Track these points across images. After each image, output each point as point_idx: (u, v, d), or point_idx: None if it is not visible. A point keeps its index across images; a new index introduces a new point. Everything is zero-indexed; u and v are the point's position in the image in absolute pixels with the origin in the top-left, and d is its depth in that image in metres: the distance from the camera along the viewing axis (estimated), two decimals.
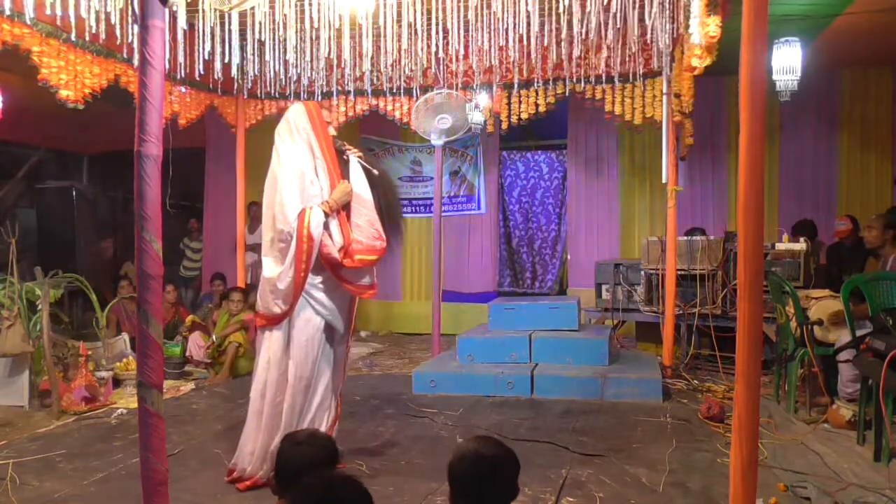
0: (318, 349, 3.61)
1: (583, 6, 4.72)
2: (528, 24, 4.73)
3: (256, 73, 6.69)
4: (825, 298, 4.68)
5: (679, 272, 6.02)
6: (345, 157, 3.74)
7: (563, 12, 4.69)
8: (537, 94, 6.34)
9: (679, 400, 5.20)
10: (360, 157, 3.79)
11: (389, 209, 3.80)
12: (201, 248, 9.44)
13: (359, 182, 3.69)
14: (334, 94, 6.83)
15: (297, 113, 3.73)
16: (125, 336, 6.24)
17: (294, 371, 3.55)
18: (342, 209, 3.63)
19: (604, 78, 6.05)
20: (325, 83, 6.77)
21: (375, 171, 3.78)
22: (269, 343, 3.58)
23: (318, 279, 3.59)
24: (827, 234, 6.77)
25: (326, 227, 3.54)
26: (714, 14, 3.04)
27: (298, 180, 3.53)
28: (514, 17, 4.78)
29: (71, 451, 4.14)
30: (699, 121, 6.71)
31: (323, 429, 3.60)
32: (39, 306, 5.01)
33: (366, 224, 3.65)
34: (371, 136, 8.71)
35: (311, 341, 3.57)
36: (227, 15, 5.19)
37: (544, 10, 5.00)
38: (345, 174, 3.70)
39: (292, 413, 3.56)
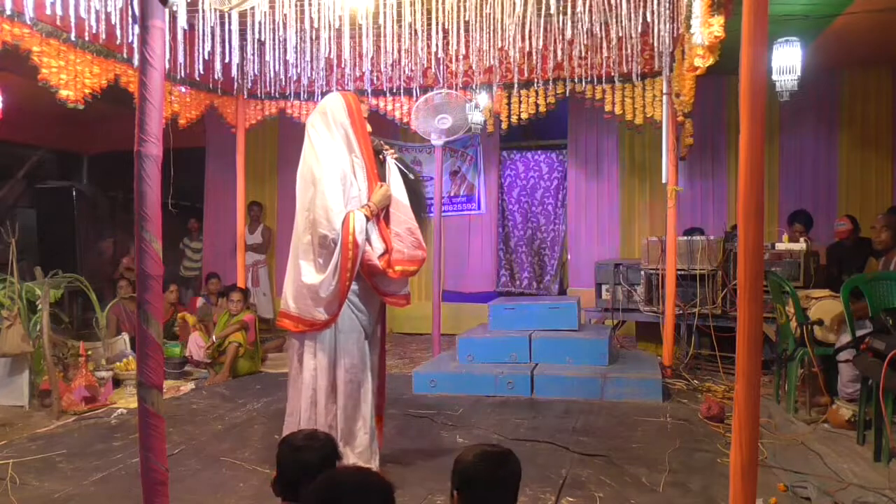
0: (366, 352, 3.51)
1: (585, 6, 4.72)
2: (528, 23, 4.73)
3: (256, 73, 6.70)
4: (825, 298, 4.68)
5: (679, 272, 6.02)
6: (381, 157, 3.57)
7: (563, 12, 4.69)
8: (537, 94, 6.34)
9: (679, 400, 5.20)
10: (397, 158, 3.61)
11: (417, 218, 3.64)
12: (201, 248, 9.45)
13: (397, 186, 3.52)
14: None
15: (335, 104, 3.47)
16: (125, 336, 6.24)
17: (344, 377, 3.43)
18: (381, 213, 3.49)
19: (604, 78, 6.05)
20: (325, 83, 6.77)
21: (412, 175, 3.63)
22: (315, 351, 3.42)
23: (356, 286, 3.45)
24: (827, 234, 6.76)
25: (367, 232, 3.38)
26: (717, 14, 3.04)
27: (341, 180, 3.34)
28: (514, 17, 4.78)
29: (71, 451, 4.13)
30: (699, 121, 6.71)
31: (368, 436, 3.50)
32: (39, 306, 5.01)
33: (405, 232, 3.50)
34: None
35: (357, 344, 3.47)
36: (227, 15, 5.19)
37: (541, 10, 5.00)
38: (381, 175, 3.54)
39: (346, 418, 3.45)
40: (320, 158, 3.39)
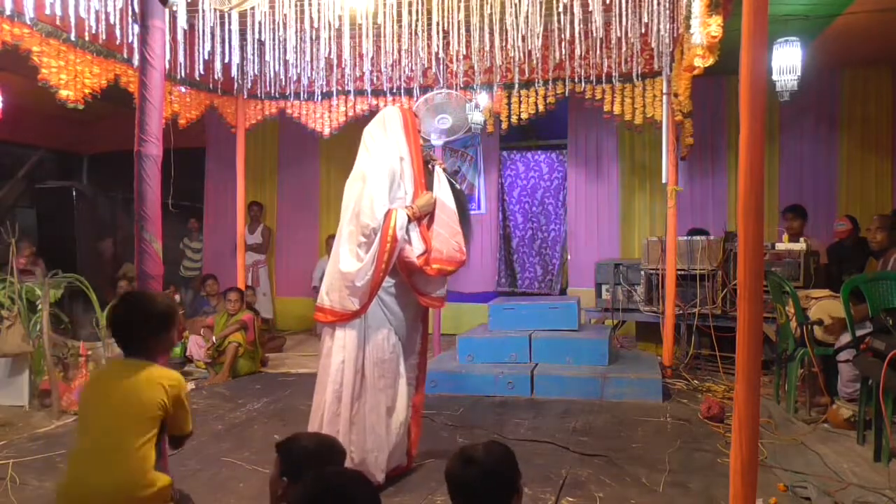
0: (398, 352, 3.57)
1: (583, 6, 4.72)
2: (528, 23, 4.74)
3: (256, 73, 6.70)
4: (825, 298, 4.68)
5: (679, 272, 6.02)
6: (430, 166, 3.75)
7: (564, 12, 4.69)
8: (537, 94, 6.34)
9: (679, 400, 5.20)
10: (444, 168, 3.82)
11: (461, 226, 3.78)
12: (201, 248, 9.45)
13: (444, 192, 3.69)
14: (334, 94, 6.83)
15: (392, 116, 3.70)
16: None
17: (373, 371, 3.49)
18: (423, 218, 3.62)
19: (604, 78, 6.05)
20: (325, 83, 6.77)
21: (458, 186, 3.82)
22: (344, 342, 3.48)
23: (391, 282, 3.54)
24: (827, 234, 6.76)
25: (407, 232, 3.50)
26: (715, 14, 3.04)
27: (389, 177, 3.50)
28: (514, 17, 4.78)
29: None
30: (699, 121, 6.71)
31: (399, 436, 3.57)
32: (39, 306, 5.01)
33: (447, 234, 3.62)
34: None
35: (386, 340, 3.53)
36: (227, 15, 5.19)
37: (543, 10, 5.00)
38: (429, 185, 3.70)
39: (377, 414, 3.49)
40: (372, 158, 3.57)
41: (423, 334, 3.85)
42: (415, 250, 3.54)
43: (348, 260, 3.44)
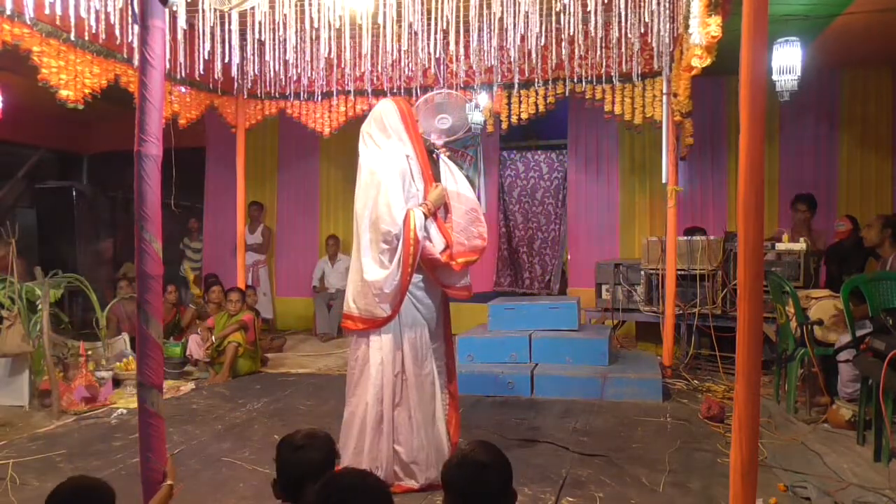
0: (429, 343, 3.58)
1: (583, 6, 4.72)
2: (528, 24, 4.74)
3: (256, 73, 6.70)
4: (825, 298, 4.68)
5: (679, 272, 6.02)
6: (434, 156, 3.72)
7: (563, 12, 4.69)
8: (537, 94, 6.34)
9: (679, 400, 5.20)
10: (448, 155, 3.79)
11: None
12: (201, 248, 9.45)
13: (457, 181, 3.68)
14: (334, 94, 6.83)
15: (388, 111, 3.62)
16: (125, 336, 6.24)
17: (412, 369, 3.49)
18: (437, 212, 3.61)
19: (604, 78, 6.05)
20: (325, 83, 6.77)
21: (463, 172, 3.82)
22: (380, 344, 3.47)
23: (418, 278, 3.55)
24: (827, 234, 6.76)
25: (426, 229, 3.49)
26: (715, 14, 3.04)
27: (401, 179, 3.47)
28: (514, 17, 4.78)
29: (71, 451, 4.14)
30: (699, 121, 6.71)
31: (443, 425, 3.57)
32: (39, 306, 5.01)
33: (467, 223, 3.63)
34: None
35: (421, 336, 3.54)
36: (227, 15, 5.19)
37: (544, 10, 5.00)
38: (436, 175, 3.68)
39: (423, 413, 3.48)
40: (381, 161, 3.51)
41: (446, 320, 3.83)
42: (436, 246, 3.53)
43: (373, 268, 3.43)
